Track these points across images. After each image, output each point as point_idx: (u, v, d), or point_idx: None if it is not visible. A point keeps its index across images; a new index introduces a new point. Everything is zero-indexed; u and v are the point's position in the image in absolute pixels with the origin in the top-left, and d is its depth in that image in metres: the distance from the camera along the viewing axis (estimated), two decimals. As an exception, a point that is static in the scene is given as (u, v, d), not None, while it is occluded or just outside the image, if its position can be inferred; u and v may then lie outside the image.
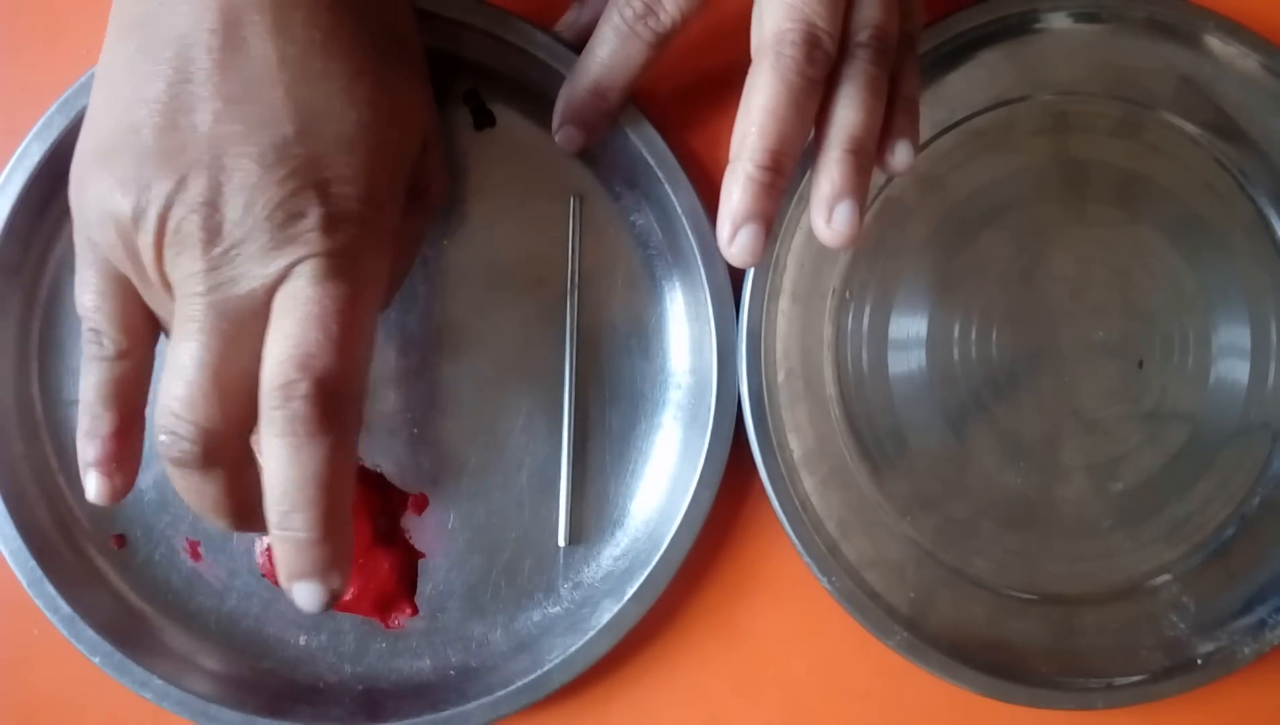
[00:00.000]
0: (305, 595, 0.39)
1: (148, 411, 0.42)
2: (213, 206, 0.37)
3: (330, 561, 0.38)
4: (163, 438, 0.38)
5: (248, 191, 0.37)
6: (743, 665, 0.53)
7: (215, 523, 0.41)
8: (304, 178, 0.37)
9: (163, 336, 0.42)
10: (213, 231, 0.37)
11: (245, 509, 0.41)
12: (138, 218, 0.37)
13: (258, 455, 0.40)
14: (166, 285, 0.38)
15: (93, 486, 0.41)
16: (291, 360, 0.37)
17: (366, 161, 0.39)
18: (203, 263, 0.37)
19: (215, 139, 0.37)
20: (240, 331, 0.38)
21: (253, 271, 0.37)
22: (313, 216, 0.37)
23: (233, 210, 0.37)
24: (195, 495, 0.40)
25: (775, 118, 0.39)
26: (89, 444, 0.41)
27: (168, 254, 0.37)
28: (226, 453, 0.38)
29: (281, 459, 0.37)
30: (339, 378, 0.37)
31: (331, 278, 0.37)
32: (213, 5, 0.37)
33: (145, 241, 0.37)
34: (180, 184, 0.37)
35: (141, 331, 0.41)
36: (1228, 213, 0.53)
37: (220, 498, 0.40)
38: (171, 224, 0.37)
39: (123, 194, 0.37)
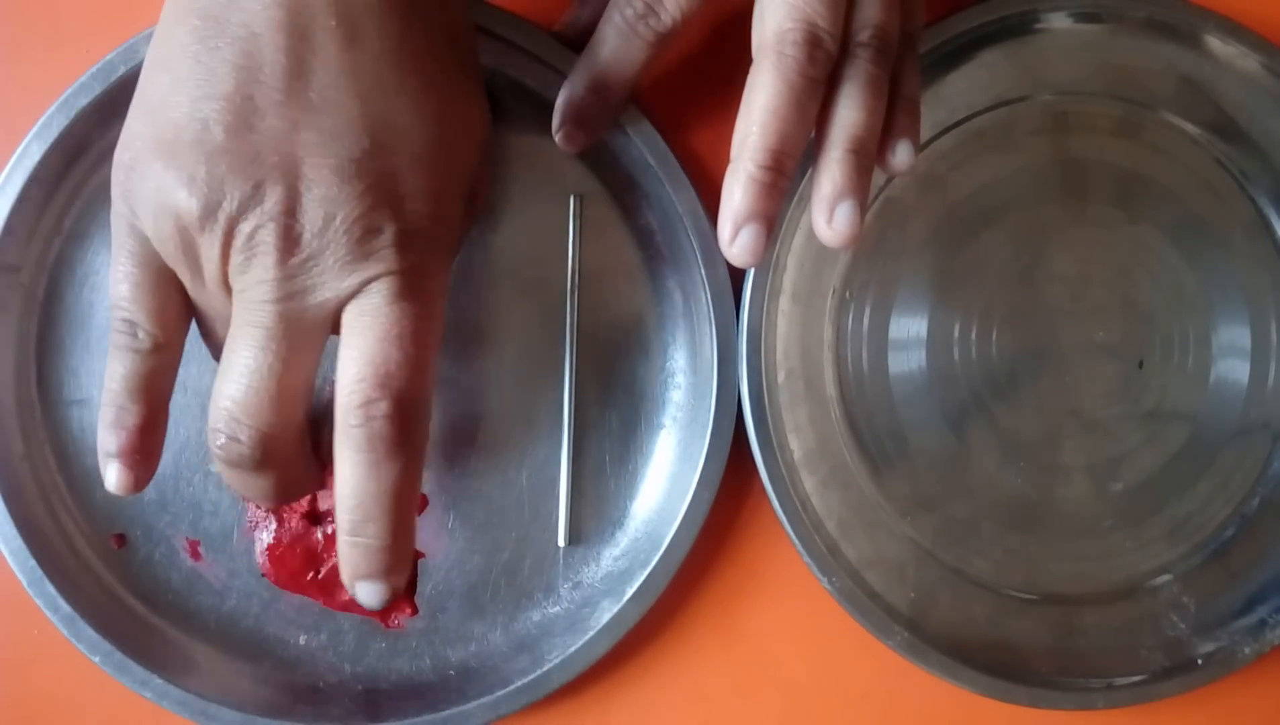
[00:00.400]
0: (368, 593, 0.41)
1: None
2: (291, 216, 0.37)
3: (395, 564, 0.40)
4: (220, 440, 0.38)
5: (327, 204, 0.37)
6: (743, 665, 0.53)
7: (257, 503, 0.43)
8: (380, 193, 0.38)
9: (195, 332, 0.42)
10: (291, 242, 0.37)
11: (290, 495, 0.42)
12: (206, 218, 0.37)
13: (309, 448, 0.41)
14: (225, 287, 0.38)
15: (114, 477, 0.42)
16: (371, 379, 0.38)
17: (436, 177, 0.39)
18: (277, 272, 0.37)
19: (291, 146, 0.37)
20: (306, 341, 0.38)
21: (328, 284, 0.38)
22: (388, 233, 0.38)
23: (311, 222, 0.37)
24: (244, 488, 0.41)
25: (777, 117, 0.39)
26: (113, 435, 0.41)
27: (235, 258, 0.37)
28: (282, 455, 0.39)
29: (359, 473, 0.39)
30: (415, 397, 0.39)
31: (406, 297, 0.38)
32: (284, 5, 0.37)
33: (210, 242, 0.37)
34: (256, 190, 0.37)
35: (176, 326, 0.41)
36: (1228, 213, 0.53)
37: (269, 491, 0.41)
38: (244, 229, 0.37)
39: (189, 191, 0.37)
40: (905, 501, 0.52)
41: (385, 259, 0.38)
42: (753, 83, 0.40)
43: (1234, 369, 0.53)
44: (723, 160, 0.40)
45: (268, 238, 0.37)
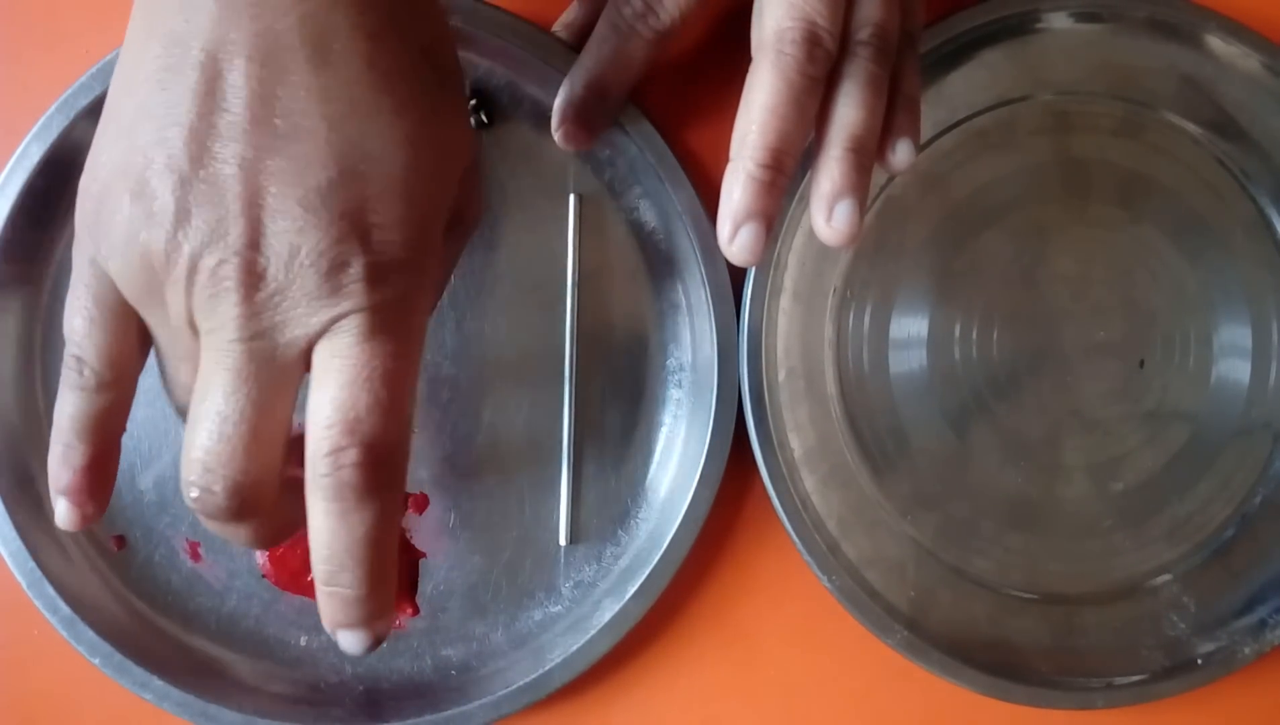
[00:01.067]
0: (350, 642, 0.39)
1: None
2: (254, 250, 0.35)
3: (374, 612, 0.38)
4: (194, 493, 0.36)
5: (292, 236, 0.35)
6: (743, 664, 0.53)
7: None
8: (348, 224, 0.36)
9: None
10: (255, 277, 0.35)
11: (277, 538, 0.40)
12: (170, 253, 0.35)
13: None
14: (192, 327, 0.37)
15: (62, 514, 0.40)
16: (339, 426, 0.36)
17: (411, 205, 0.37)
18: (242, 309, 0.35)
19: (256, 175, 0.35)
20: (278, 382, 0.36)
21: (297, 321, 0.36)
22: (357, 267, 0.36)
23: (276, 256, 0.35)
24: (226, 537, 0.39)
25: (776, 116, 0.38)
26: (61, 472, 0.39)
27: (199, 295, 0.36)
28: (261, 502, 0.37)
29: (330, 523, 0.37)
30: (387, 441, 0.36)
31: (377, 335, 0.36)
32: (248, 29, 0.35)
33: (175, 277, 0.36)
34: (220, 223, 0.35)
35: (127, 365, 0.39)
36: (1229, 213, 0.53)
37: (252, 538, 0.39)
38: (208, 264, 0.35)
39: (155, 225, 0.35)
40: (906, 500, 0.52)
41: (355, 294, 0.36)
42: (752, 81, 0.39)
43: (1235, 369, 0.53)
44: (722, 159, 0.40)
45: (231, 273, 0.35)
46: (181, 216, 0.35)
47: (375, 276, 0.36)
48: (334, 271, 0.36)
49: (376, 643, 0.39)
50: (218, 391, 0.36)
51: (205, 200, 0.35)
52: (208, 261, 0.35)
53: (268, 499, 0.37)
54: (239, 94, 0.35)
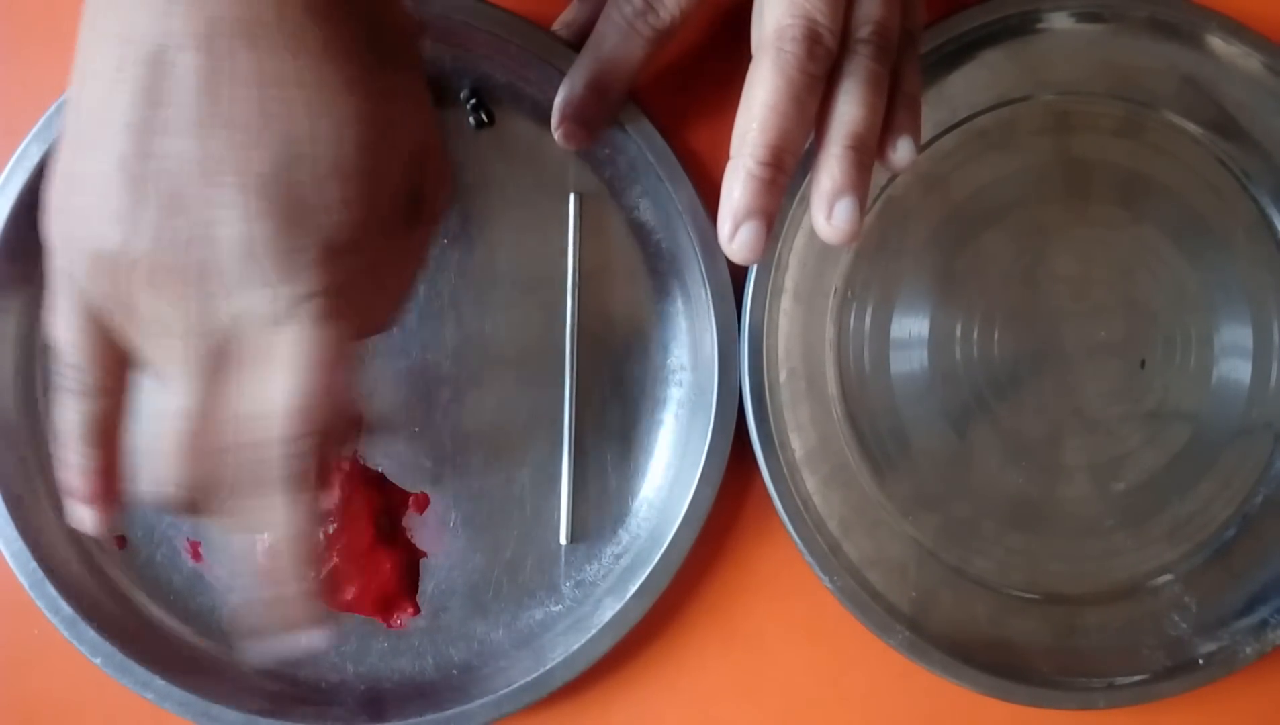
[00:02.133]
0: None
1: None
2: (205, 241, 0.35)
3: (308, 621, 0.39)
4: (148, 488, 0.37)
5: (241, 224, 0.35)
6: (743, 665, 0.53)
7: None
8: (297, 208, 0.35)
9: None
10: (208, 268, 0.35)
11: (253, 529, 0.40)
12: (126, 252, 0.35)
13: None
14: (154, 324, 0.37)
15: (85, 521, 0.40)
16: (290, 412, 0.36)
17: (362, 185, 0.37)
18: (196, 302, 0.35)
19: (203, 167, 0.35)
20: (232, 373, 0.36)
21: (251, 310, 0.36)
22: (310, 251, 0.36)
23: (228, 246, 0.35)
24: (193, 522, 0.39)
25: (776, 114, 0.38)
26: (75, 480, 0.40)
27: (155, 291, 0.36)
28: (213, 498, 0.37)
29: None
30: (338, 426, 0.37)
31: (330, 318, 0.36)
32: (197, 18, 0.35)
33: (134, 277, 0.36)
34: (170, 217, 0.35)
35: (119, 367, 0.39)
36: (1230, 213, 0.53)
37: (226, 528, 0.39)
38: (162, 260, 0.35)
39: (109, 226, 0.35)
40: (907, 501, 0.52)
41: (308, 280, 0.36)
42: (752, 79, 0.39)
43: (1236, 369, 0.53)
44: (722, 158, 0.40)
45: (184, 265, 0.35)
46: (134, 216, 0.35)
47: (327, 259, 0.36)
48: (285, 256, 0.35)
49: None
50: (173, 386, 0.36)
51: (155, 198, 0.35)
52: (161, 257, 0.35)
53: (223, 493, 0.37)
54: (184, 87, 0.35)
